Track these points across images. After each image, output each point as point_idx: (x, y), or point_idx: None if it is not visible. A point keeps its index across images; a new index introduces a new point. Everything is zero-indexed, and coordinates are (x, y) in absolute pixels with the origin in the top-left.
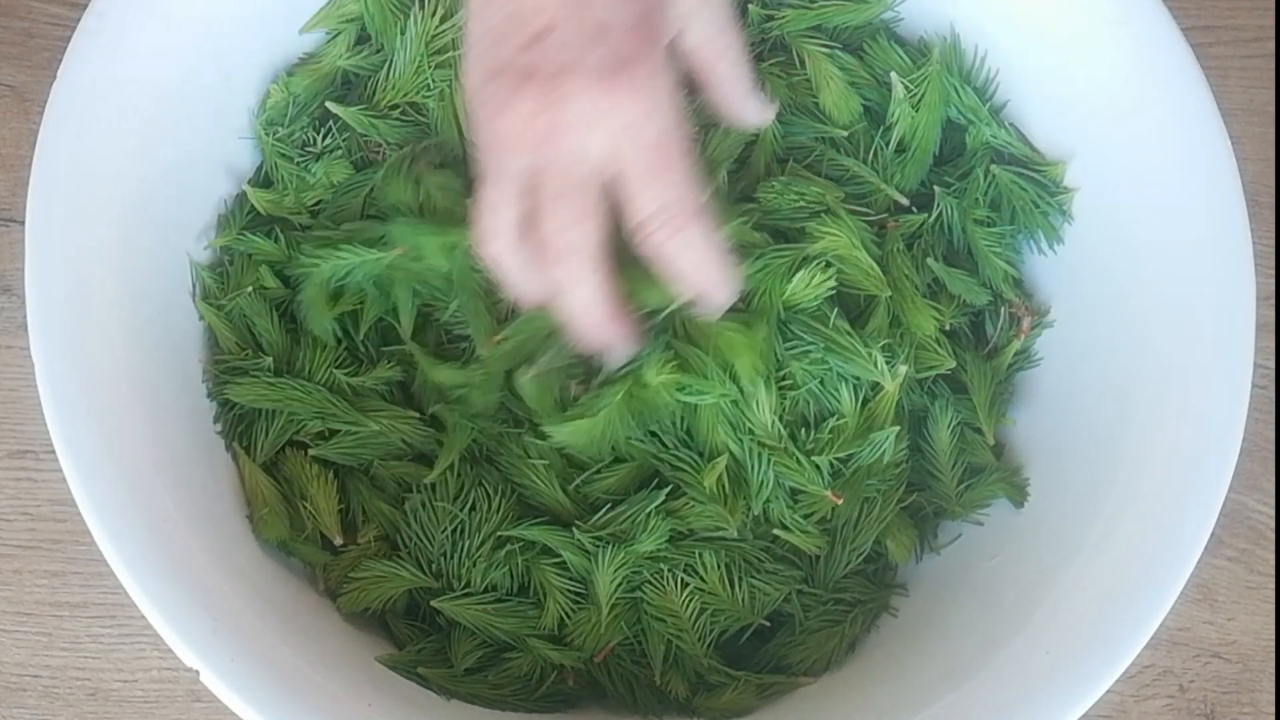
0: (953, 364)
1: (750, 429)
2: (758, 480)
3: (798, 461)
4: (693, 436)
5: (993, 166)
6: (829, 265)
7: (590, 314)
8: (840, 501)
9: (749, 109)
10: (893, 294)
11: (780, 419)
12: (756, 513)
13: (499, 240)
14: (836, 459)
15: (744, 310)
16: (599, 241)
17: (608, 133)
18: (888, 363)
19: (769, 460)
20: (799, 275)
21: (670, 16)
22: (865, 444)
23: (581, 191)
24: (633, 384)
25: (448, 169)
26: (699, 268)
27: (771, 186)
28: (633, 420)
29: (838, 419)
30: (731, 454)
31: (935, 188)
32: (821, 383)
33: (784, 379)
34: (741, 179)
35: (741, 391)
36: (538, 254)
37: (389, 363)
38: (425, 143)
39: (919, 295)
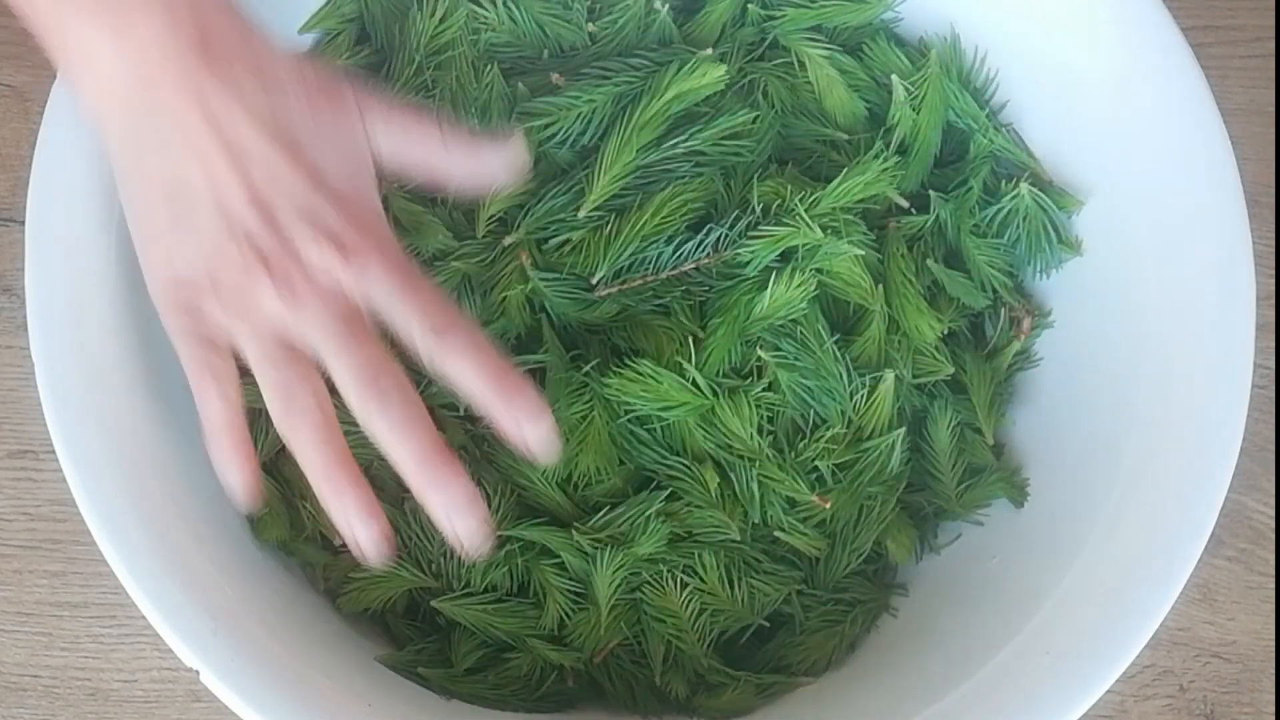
0: (951, 370)
1: (728, 442)
2: (744, 490)
3: (779, 469)
4: (683, 444)
5: (1021, 185)
6: (803, 272)
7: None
8: (829, 506)
9: (489, 161)
10: (894, 298)
11: (759, 430)
12: (756, 520)
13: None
14: (835, 465)
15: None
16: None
17: None
18: (875, 383)
19: (753, 470)
20: (774, 285)
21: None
22: (864, 449)
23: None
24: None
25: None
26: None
27: (768, 186)
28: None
29: (827, 427)
30: (717, 461)
31: (931, 192)
32: (810, 392)
33: (768, 388)
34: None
35: (716, 397)
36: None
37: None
38: None
39: (922, 300)
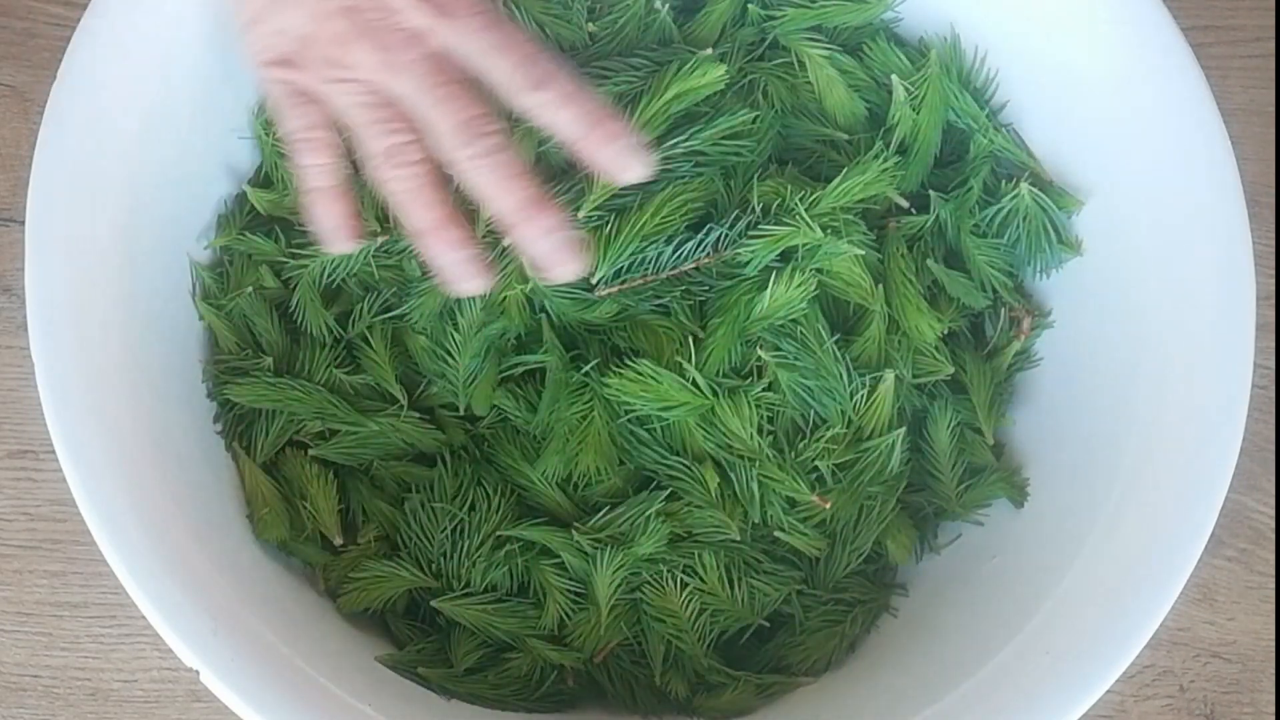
0: (951, 370)
1: (728, 442)
2: (744, 490)
3: (779, 469)
4: (683, 444)
5: (1021, 185)
6: (802, 272)
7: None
8: (829, 506)
9: None
10: (894, 298)
11: (759, 430)
12: (756, 520)
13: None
14: (835, 465)
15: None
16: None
17: None
18: (874, 383)
19: (753, 470)
20: (774, 285)
21: None
22: (864, 449)
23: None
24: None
25: None
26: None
27: (768, 186)
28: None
29: (827, 427)
30: (717, 461)
31: (931, 192)
32: (810, 392)
33: (768, 388)
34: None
35: (716, 397)
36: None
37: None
38: None
39: (922, 300)
